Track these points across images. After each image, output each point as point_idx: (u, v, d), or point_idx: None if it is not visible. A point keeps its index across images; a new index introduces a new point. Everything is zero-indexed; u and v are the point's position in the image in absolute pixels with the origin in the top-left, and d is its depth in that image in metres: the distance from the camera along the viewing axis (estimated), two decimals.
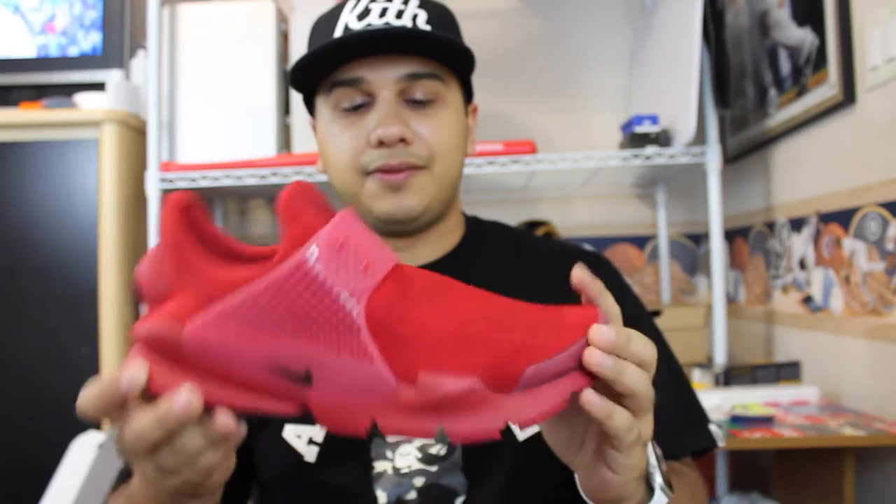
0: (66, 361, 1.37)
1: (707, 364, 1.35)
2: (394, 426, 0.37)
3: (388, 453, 0.64)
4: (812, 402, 1.20)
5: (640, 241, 1.80)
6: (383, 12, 0.64)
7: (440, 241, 0.73)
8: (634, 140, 1.39)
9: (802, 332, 1.35)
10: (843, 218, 1.18)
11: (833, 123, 1.22)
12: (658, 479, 0.45)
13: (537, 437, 0.64)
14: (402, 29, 0.63)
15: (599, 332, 0.39)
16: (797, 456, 1.21)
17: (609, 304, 0.42)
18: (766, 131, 1.46)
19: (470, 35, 0.78)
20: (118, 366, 0.38)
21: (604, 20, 1.82)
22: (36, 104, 1.48)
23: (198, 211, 0.39)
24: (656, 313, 1.49)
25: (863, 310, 1.13)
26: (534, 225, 1.62)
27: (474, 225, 0.78)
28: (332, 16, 0.67)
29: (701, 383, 1.29)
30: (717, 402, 1.18)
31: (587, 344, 0.39)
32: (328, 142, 0.68)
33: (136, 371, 0.36)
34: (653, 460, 0.46)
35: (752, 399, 1.20)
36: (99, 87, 1.56)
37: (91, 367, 1.36)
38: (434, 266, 0.72)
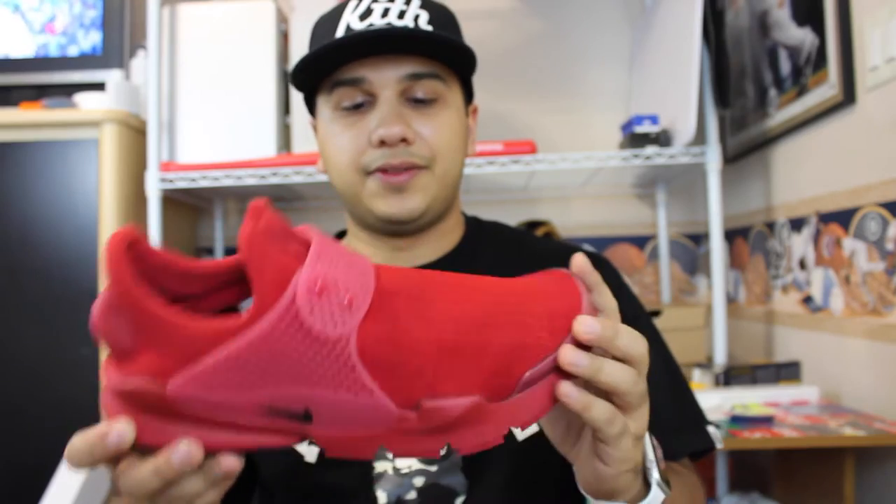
0: (66, 361, 1.37)
1: (707, 364, 1.35)
2: (400, 449, 0.37)
3: (388, 454, 0.64)
4: (812, 402, 1.20)
5: (640, 241, 1.80)
6: (385, 12, 0.64)
7: (440, 240, 0.73)
8: (634, 140, 1.40)
9: (802, 332, 1.35)
10: (843, 218, 1.18)
11: (833, 123, 1.22)
12: (655, 475, 0.45)
13: (536, 436, 0.64)
14: (404, 29, 0.63)
15: (584, 325, 0.39)
16: (797, 456, 1.21)
17: (606, 298, 0.42)
18: (766, 131, 1.46)
19: (470, 35, 0.78)
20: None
21: (604, 20, 1.82)
22: (36, 104, 1.48)
23: (143, 244, 0.36)
24: (656, 313, 1.49)
25: (863, 310, 1.13)
26: (534, 225, 1.62)
27: (474, 225, 0.78)
28: (334, 16, 0.67)
29: (701, 383, 1.29)
30: (717, 402, 1.18)
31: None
32: (329, 141, 0.68)
33: (123, 427, 0.35)
34: (650, 455, 0.46)
35: (752, 399, 1.20)
36: (99, 87, 1.56)
37: (91, 367, 1.36)
38: (434, 266, 0.72)
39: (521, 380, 0.38)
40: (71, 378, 1.36)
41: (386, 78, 0.65)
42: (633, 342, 0.41)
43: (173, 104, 1.48)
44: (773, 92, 1.43)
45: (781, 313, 1.43)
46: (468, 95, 0.74)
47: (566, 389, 0.38)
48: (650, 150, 1.38)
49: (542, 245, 0.78)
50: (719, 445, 0.68)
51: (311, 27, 0.71)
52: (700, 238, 1.80)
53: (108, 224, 1.39)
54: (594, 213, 1.82)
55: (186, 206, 1.73)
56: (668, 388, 0.69)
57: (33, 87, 1.65)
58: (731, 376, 1.25)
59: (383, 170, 0.65)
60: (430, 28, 0.65)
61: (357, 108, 0.66)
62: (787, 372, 1.27)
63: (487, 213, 0.83)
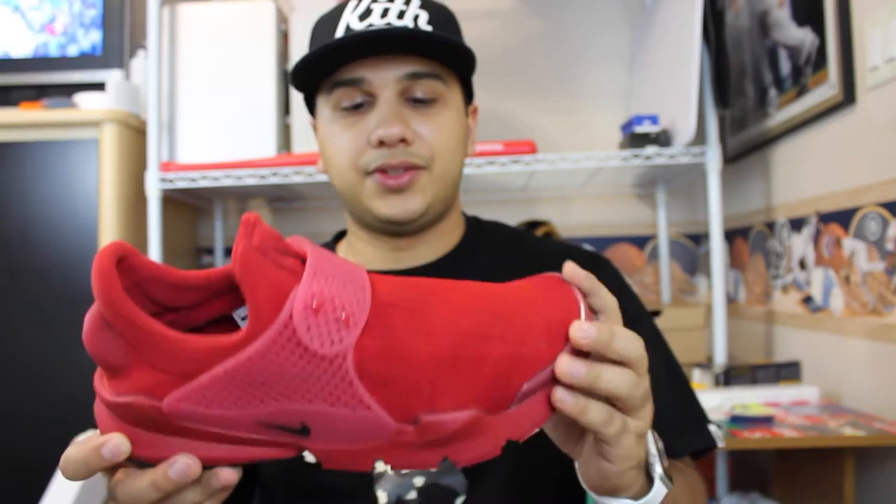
0: (66, 361, 1.37)
1: (707, 364, 1.35)
2: (398, 462, 0.37)
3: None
4: (812, 402, 1.20)
5: (640, 241, 1.80)
6: (385, 13, 0.64)
7: (440, 240, 0.73)
8: (634, 140, 1.40)
9: (802, 332, 1.35)
10: (843, 218, 1.18)
11: (833, 123, 1.22)
12: (658, 470, 0.45)
13: (537, 436, 0.64)
14: (404, 29, 0.63)
15: (580, 330, 0.39)
16: (797, 456, 1.21)
17: (605, 298, 0.42)
18: (766, 131, 1.46)
19: (470, 35, 0.78)
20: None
21: (604, 20, 1.82)
22: (36, 104, 1.48)
23: (134, 257, 0.36)
24: (656, 313, 1.49)
25: (863, 310, 1.13)
26: (534, 225, 1.62)
27: (474, 225, 0.78)
28: (334, 16, 0.67)
29: (701, 383, 1.29)
30: (717, 402, 1.18)
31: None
32: (329, 141, 0.68)
33: (119, 440, 0.35)
34: (653, 450, 0.46)
35: (752, 399, 1.20)
36: (99, 87, 1.56)
37: (91, 367, 1.35)
38: (434, 266, 0.72)
39: (519, 391, 0.38)
40: (71, 378, 1.36)
41: (385, 78, 0.65)
42: (630, 344, 0.40)
43: (173, 104, 1.48)
44: (773, 92, 1.43)
45: (781, 313, 1.43)
46: (468, 95, 0.74)
47: (561, 395, 0.39)
48: (650, 150, 1.38)
49: (542, 245, 0.78)
50: (721, 444, 0.68)
51: (311, 27, 0.71)
52: (700, 238, 1.80)
53: (108, 224, 1.39)
54: (594, 213, 1.82)
55: (186, 206, 1.73)
56: (669, 388, 0.69)
57: (33, 87, 1.65)
58: (731, 376, 1.25)
59: (382, 170, 0.65)
60: (429, 28, 0.65)
61: (357, 108, 0.67)
62: (787, 372, 1.27)
63: (487, 213, 0.83)
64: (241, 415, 0.35)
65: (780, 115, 1.39)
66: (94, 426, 0.39)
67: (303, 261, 0.36)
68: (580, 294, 0.42)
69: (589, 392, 0.39)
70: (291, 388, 0.34)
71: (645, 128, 1.39)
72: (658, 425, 0.49)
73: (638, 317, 0.71)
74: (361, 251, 0.73)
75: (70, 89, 1.58)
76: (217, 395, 0.34)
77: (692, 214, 1.80)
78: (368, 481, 0.63)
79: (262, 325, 0.34)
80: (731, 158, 1.64)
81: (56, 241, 1.40)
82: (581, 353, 0.40)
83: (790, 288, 1.39)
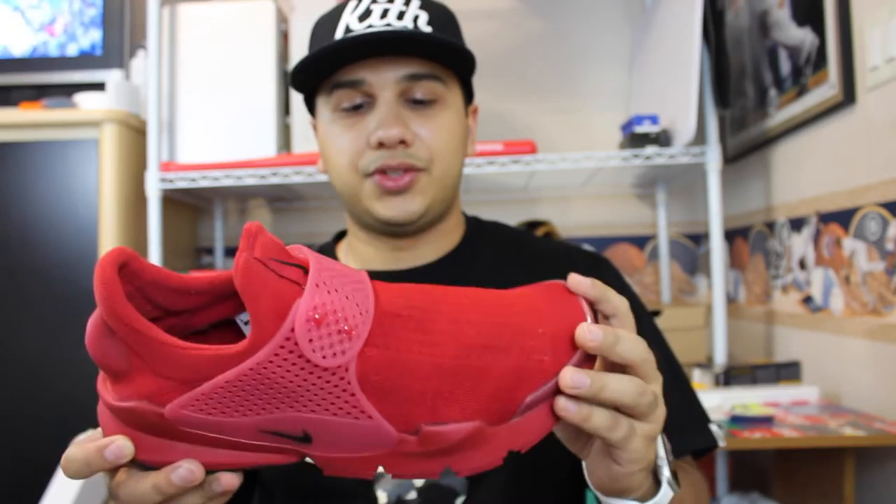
0: (66, 361, 1.37)
1: (707, 364, 1.35)
2: (399, 471, 0.37)
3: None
4: (812, 402, 1.20)
5: (640, 241, 1.80)
6: (384, 13, 0.64)
7: (440, 241, 0.73)
8: (634, 140, 1.39)
9: (802, 332, 1.35)
10: (843, 218, 1.18)
11: (833, 123, 1.22)
12: (665, 473, 0.45)
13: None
14: (404, 31, 0.63)
15: (587, 333, 0.39)
16: (797, 456, 1.21)
17: (615, 302, 0.42)
18: (766, 131, 1.46)
19: (470, 35, 0.78)
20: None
21: (604, 20, 1.82)
22: (36, 104, 1.48)
23: (135, 262, 0.36)
24: (656, 313, 1.49)
25: (863, 310, 1.13)
26: (534, 225, 1.62)
27: (474, 225, 0.78)
28: (333, 16, 0.67)
29: (701, 383, 1.29)
30: (717, 402, 1.18)
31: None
32: (328, 142, 0.68)
33: (123, 443, 0.35)
34: (661, 453, 0.46)
35: (752, 399, 1.20)
36: (99, 86, 1.56)
37: (91, 367, 1.36)
38: (434, 266, 0.72)
39: (522, 403, 0.38)
40: (71, 378, 1.36)
41: (385, 79, 0.65)
42: (633, 347, 0.40)
43: (173, 104, 1.48)
44: (773, 92, 1.43)
45: (781, 313, 1.43)
46: (468, 96, 0.74)
47: (564, 404, 0.38)
48: (650, 150, 1.38)
49: (543, 245, 0.78)
50: (722, 444, 0.68)
51: (311, 28, 0.71)
52: (700, 238, 1.80)
53: (108, 224, 1.39)
54: (594, 213, 1.82)
55: (186, 206, 1.73)
56: (670, 388, 0.68)
57: (33, 87, 1.65)
58: (731, 376, 1.25)
59: (382, 172, 0.65)
60: (429, 28, 0.65)
61: (356, 109, 0.67)
62: (787, 372, 1.27)
63: (487, 213, 0.83)
64: (243, 422, 0.35)
65: (780, 115, 1.39)
66: (94, 426, 0.39)
67: (305, 270, 0.36)
68: (586, 304, 0.42)
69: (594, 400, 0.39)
70: (293, 398, 0.35)
71: (645, 128, 1.39)
72: None
73: (638, 316, 0.70)
74: (361, 251, 0.73)
75: (70, 89, 1.58)
76: (218, 404, 0.34)
77: (692, 214, 1.80)
78: (368, 482, 0.63)
79: (264, 337, 0.33)
80: (731, 158, 1.64)
81: (56, 241, 1.40)
82: (587, 359, 0.40)
83: (790, 288, 1.39)
